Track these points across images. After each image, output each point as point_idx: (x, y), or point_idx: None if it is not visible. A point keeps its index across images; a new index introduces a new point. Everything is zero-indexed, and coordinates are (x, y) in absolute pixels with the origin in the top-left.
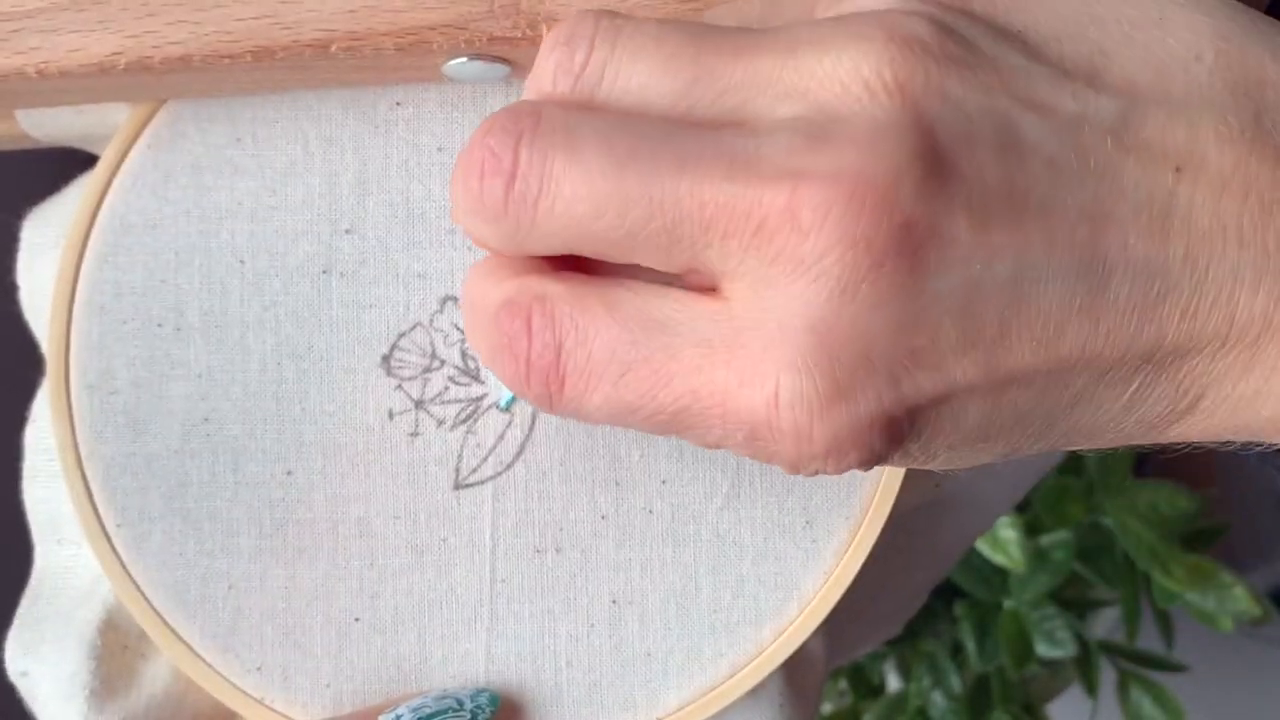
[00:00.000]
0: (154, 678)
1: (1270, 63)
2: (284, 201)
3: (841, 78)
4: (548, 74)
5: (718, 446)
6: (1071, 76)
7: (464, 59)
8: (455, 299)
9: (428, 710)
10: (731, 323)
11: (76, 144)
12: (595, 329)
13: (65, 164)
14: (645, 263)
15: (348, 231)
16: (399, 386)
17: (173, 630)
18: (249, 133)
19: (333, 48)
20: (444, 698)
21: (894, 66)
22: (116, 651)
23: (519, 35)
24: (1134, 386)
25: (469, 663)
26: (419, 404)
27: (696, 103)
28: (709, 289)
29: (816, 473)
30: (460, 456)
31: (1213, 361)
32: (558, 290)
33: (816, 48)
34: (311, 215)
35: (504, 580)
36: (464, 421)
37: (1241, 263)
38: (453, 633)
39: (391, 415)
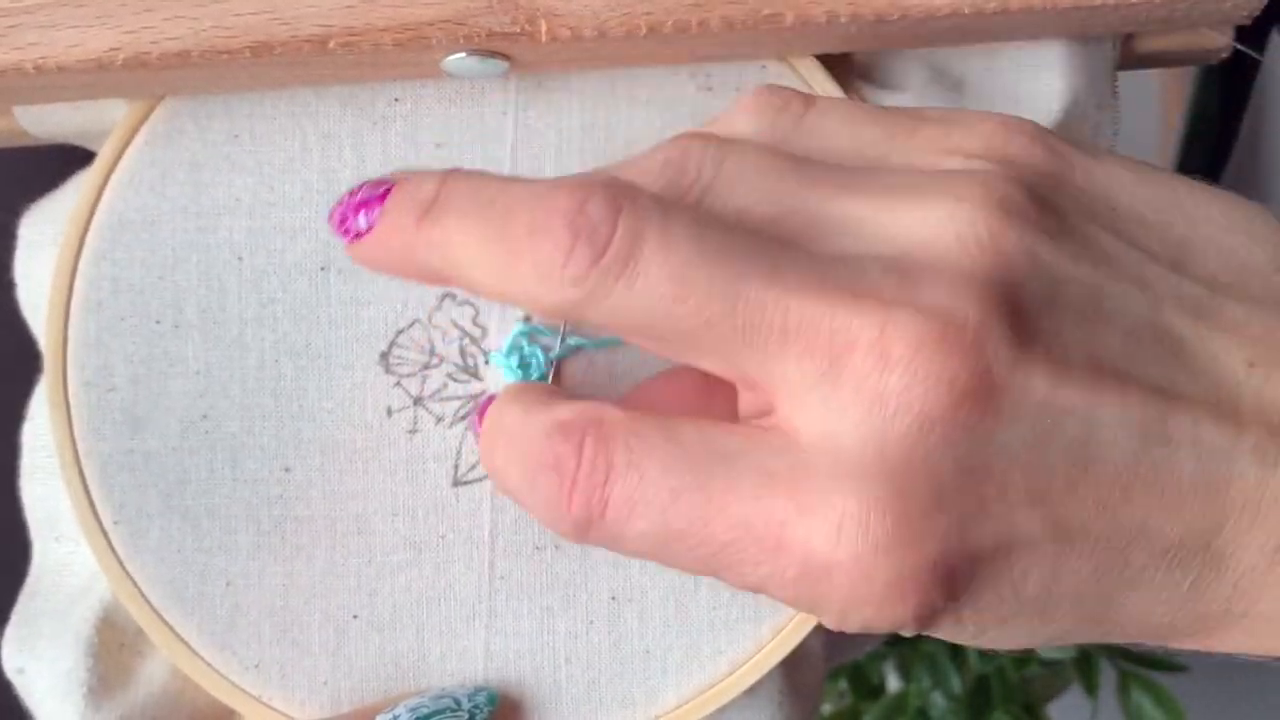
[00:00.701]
0: (151, 675)
1: None
2: (282, 198)
3: (936, 229)
4: (652, 187)
5: (759, 589)
6: (1157, 259)
7: (462, 55)
8: (454, 295)
9: (425, 710)
10: (796, 452)
11: (74, 141)
12: (651, 454)
13: (63, 161)
14: (704, 364)
15: None
16: (398, 383)
17: (170, 627)
18: (247, 129)
19: (331, 43)
20: (442, 697)
21: (988, 224)
22: (114, 649)
23: (518, 31)
24: (1193, 576)
25: (467, 660)
26: (418, 401)
27: (790, 227)
28: (764, 412)
29: (862, 626)
30: (459, 453)
31: (1272, 565)
32: (615, 415)
33: (915, 199)
34: (310, 212)
35: (503, 577)
36: (463, 418)
37: None
38: (451, 630)
39: (390, 412)
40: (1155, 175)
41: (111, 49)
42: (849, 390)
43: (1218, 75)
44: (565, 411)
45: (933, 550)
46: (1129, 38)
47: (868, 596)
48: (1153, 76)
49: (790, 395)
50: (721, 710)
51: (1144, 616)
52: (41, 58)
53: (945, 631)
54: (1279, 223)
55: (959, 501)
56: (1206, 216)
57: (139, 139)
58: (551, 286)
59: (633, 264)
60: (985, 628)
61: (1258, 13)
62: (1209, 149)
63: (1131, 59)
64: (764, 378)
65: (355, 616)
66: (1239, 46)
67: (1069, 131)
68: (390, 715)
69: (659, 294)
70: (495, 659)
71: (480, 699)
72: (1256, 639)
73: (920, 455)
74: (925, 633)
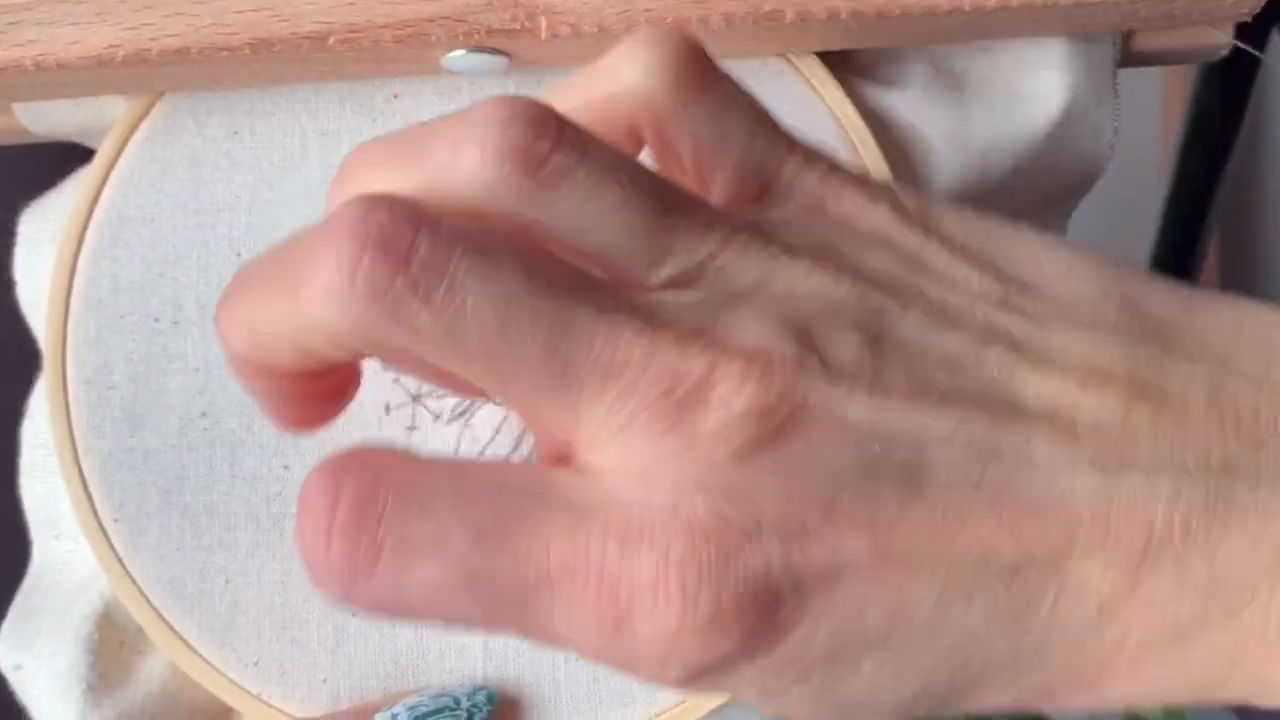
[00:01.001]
0: (150, 673)
1: (1154, 296)
2: (281, 195)
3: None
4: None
5: (564, 640)
6: (984, 294)
7: (462, 51)
8: None
9: (425, 709)
10: (606, 490)
11: (74, 138)
12: (437, 488)
13: (62, 158)
14: (514, 400)
15: None
16: (396, 380)
17: (169, 625)
18: (246, 126)
19: (331, 40)
20: (441, 696)
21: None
22: (113, 646)
23: (517, 27)
24: (1049, 601)
25: (466, 657)
26: (416, 398)
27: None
28: (563, 456)
29: (684, 671)
30: (457, 450)
31: (1136, 584)
32: (385, 454)
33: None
34: (309, 209)
35: None
36: (460, 415)
37: (1155, 465)
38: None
39: (388, 409)
40: (980, 216)
41: (111, 46)
42: (667, 426)
43: (1218, 74)
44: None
45: (754, 576)
46: (1129, 35)
47: (691, 630)
48: (1153, 75)
49: (603, 433)
50: (721, 709)
51: (1010, 656)
52: (41, 54)
53: (772, 658)
54: (1105, 261)
55: (781, 527)
56: (1033, 254)
57: (139, 136)
58: (341, 303)
59: (450, 282)
60: (831, 668)
61: (1258, 11)
62: (1209, 148)
63: (1132, 57)
64: (573, 417)
65: (354, 614)
66: (1239, 44)
67: (1070, 129)
68: (389, 714)
69: (480, 319)
70: (494, 657)
71: (479, 698)
72: (1147, 683)
73: (740, 484)
74: (761, 679)
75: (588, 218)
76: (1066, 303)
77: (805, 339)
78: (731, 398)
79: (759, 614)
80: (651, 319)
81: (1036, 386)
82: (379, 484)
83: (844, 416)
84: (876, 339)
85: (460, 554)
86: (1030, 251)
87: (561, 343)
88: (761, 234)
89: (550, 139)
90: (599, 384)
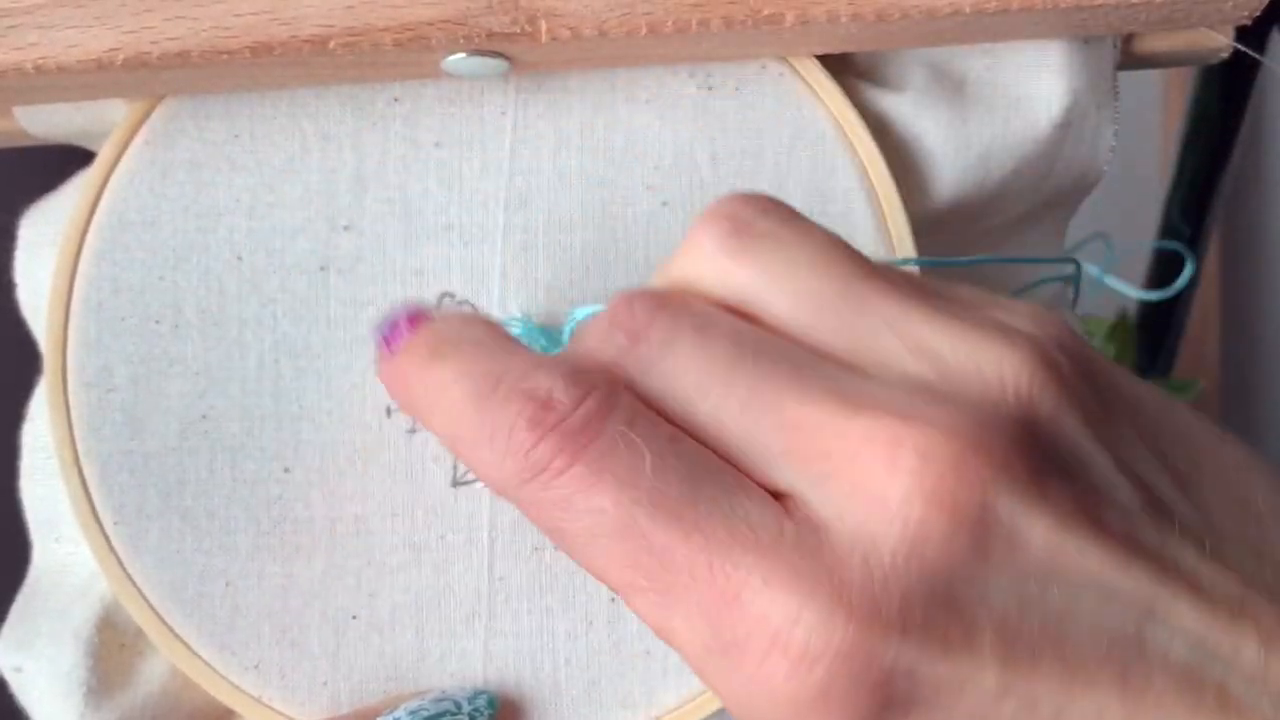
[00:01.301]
0: (151, 675)
1: None
2: (282, 198)
3: (979, 362)
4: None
5: (672, 635)
6: (1170, 475)
7: (462, 55)
8: (452, 295)
9: (426, 713)
10: (784, 524)
11: (74, 141)
12: (650, 443)
13: (63, 161)
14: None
15: (345, 228)
16: None
17: (170, 628)
18: (247, 129)
19: (331, 44)
20: (442, 700)
21: (1034, 375)
22: (114, 649)
23: (518, 31)
24: None
25: (467, 661)
26: None
27: (826, 331)
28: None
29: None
30: None
31: None
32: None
33: (969, 328)
34: (309, 212)
35: (502, 578)
36: None
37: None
38: (451, 630)
39: (389, 412)
40: (1173, 401)
41: (111, 49)
42: (849, 485)
43: (1218, 74)
44: (577, 362)
45: (879, 672)
46: (1130, 38)
47: (795, 692)
48: (1153, 75)
49: (790, 494)
50: (721, 711)
51: None
52: (41, 58)
53: None
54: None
55: (924, 632)
56: (1216, 452)
57: (139, 139)
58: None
59: (665, 351)
60: None
61: (1258, 13)
62: (1209, 149)
63: (1132, 59)
64: (771, 478)
65: (355, 617)
66: (1239, 47)
67: (1070, 131)
68: (390, 718)
69: (683, 384)
70: (494, 660)
71: (480, 702)
72: None
73: (902, 572)
74: None
75: None
76: (1238, 508)
77: (1012, 443)
78: (920, 470)
79: (865, 708)
80: (844, 395)
81: (1203, 581)
82: (614, 410)
83: (1021, 540)
84: (1069, 473)
85: (631, 508)
86: (1218, 446)
87: (755, 413)
88: None
89: None
90: (781, 452)
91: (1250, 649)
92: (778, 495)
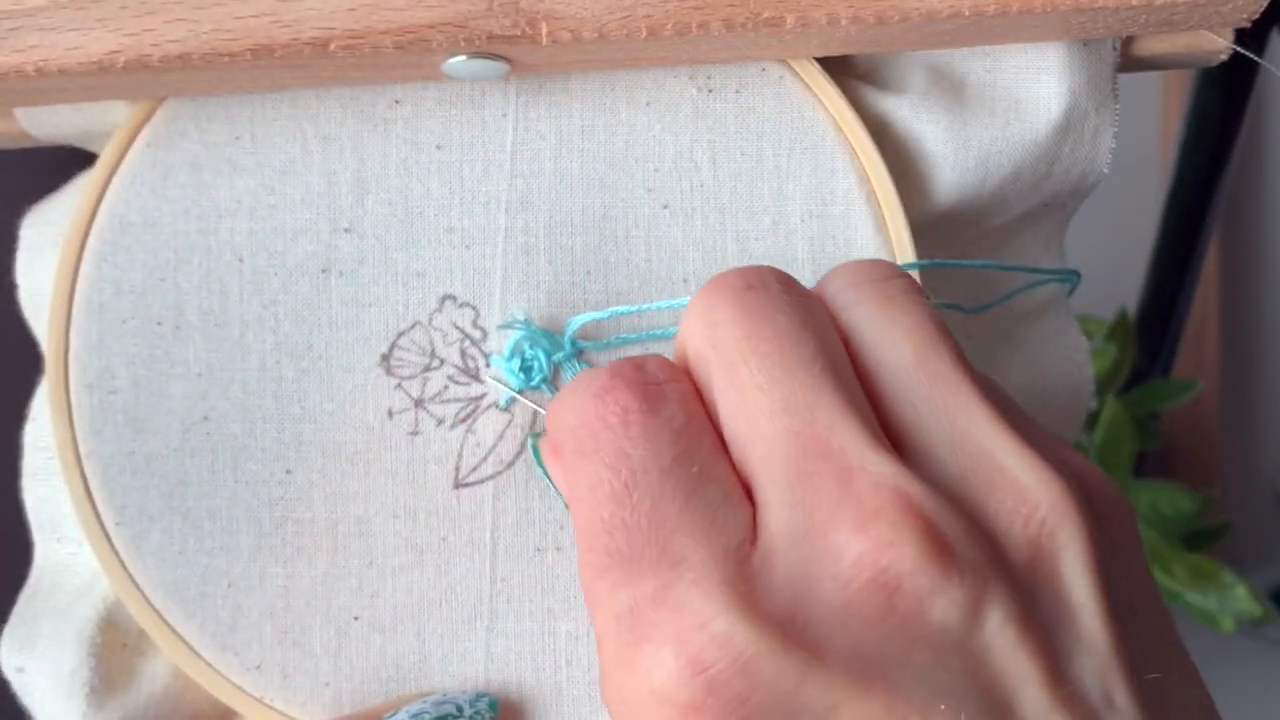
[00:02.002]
0: (153, 676)
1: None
2: (283, 200)
3: (1023, 478)
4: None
5: (593, 594)
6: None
7: (463, 57)
8: (453, 297)
9: (427, 716)
10: (744, 547)
11: (76, 142)
12: (689, 430)
13: (64, 162)
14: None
15: (347, 230)
16: (398, 385)
17: (172, 628)
18: (248, 131)
19: (332, 46)
20: (444, 703)
21: (1060, 516)
22: (116, 649)
23: (518, 33)
24: None
25: (468, 661)
26: (419, 403)
27: (896, 390)
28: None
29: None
30: (460, 455)
31: None
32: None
33: (1030, 449)
34: (310, 214)
35: (504, 579)
36: (464, 420)
37: None
38: (452, 631)
39: (391, 414)
40: (1171, 622)
41: (112, 52)
42: (816, 523)
43: (1218, 76)
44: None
45: (755, 705)
46: (1129, 40)
47: (672, 692)
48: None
49: (765, 498)
50: None
51: None
52: (42, 60)
53: None
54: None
55: (820, 676)
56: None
57: (140, 141)
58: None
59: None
60: None
61: (1258, 16)
62: (1209, 149)
63: (1132, 62)
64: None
65: (356, 618)
66: (1238, 49)
67: (1070, 133)
68: None
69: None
70: (496, 661)
71: (482, 705)
72: None
73: (819, 619)
74: None
75: None
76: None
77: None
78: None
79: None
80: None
81: None
82: (655, 397)
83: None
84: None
85: (650, 480)
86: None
87: (814, 425)
88: None
89: None
90: (802, 472)
91: None
92: (749, 493)
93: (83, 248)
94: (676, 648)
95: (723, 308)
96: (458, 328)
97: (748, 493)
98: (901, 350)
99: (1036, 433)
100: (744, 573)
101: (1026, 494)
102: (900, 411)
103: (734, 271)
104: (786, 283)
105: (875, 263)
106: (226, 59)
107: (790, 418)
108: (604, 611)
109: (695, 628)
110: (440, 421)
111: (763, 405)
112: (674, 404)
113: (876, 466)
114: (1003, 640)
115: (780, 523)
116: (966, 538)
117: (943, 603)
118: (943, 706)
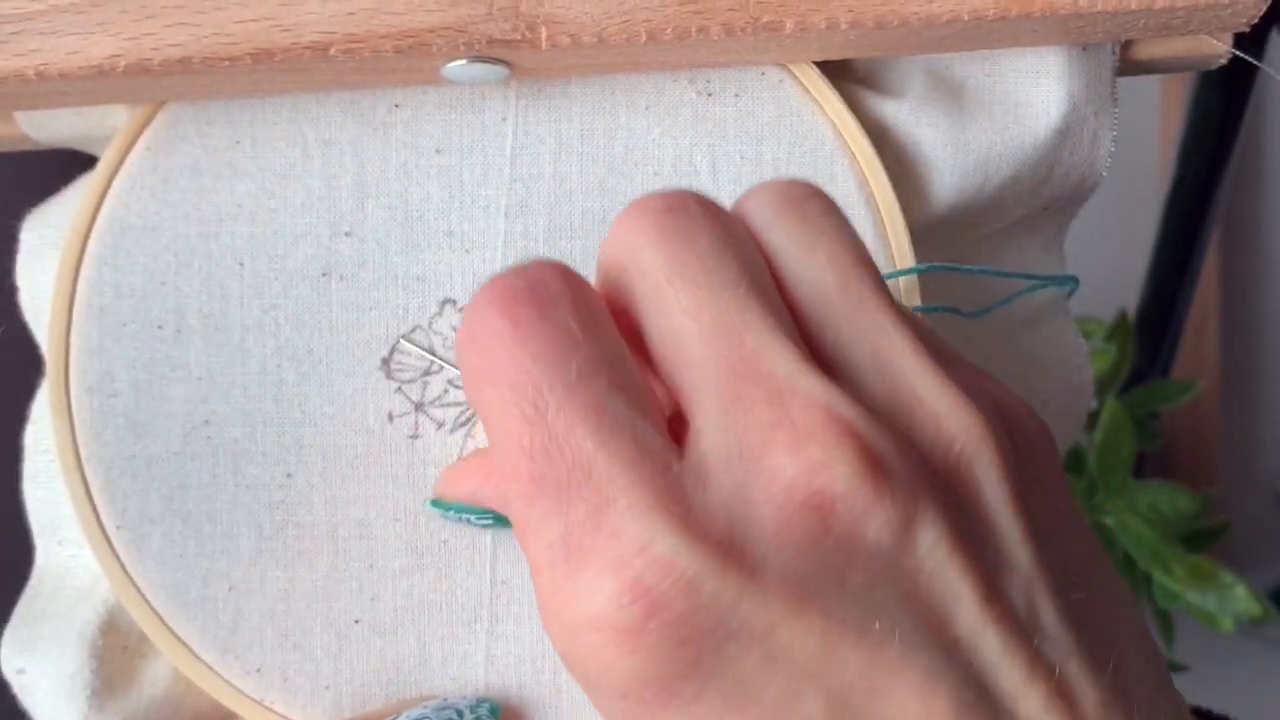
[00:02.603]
0: (154, 678)
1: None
2: (283, 204)
3: (941, 410)
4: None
5: (523, 525)
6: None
7: (463, 61)
8: (454, 301)
9: None
10: (672, 466)
11: (76, 145)
12: (595, 340)
13: (65, 165)
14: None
15: (347, 234)
16: (399, 389)
17: (172, 632)
18: (248, 135)
19: (332, 50)
20: (444, 708)
21: (979, 441)
22: (117, 651)
23: (518, 37)
24: None
25: (469, 664)
26: (419, 406)
27: (822, 314)
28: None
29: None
30: (460, 459)
31: None
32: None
33: (950, 382)
34: (311, 218)
35: (504, 582)
36: (464, 424)
37: None
38: (453, 634)
39: (391, 418)
40: (1089, 532)
41: (113, 56)
42: (751, 445)
43: (1217, 79)
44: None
45: (696, 628)
46: (1128, 44)
47: (612, 617)
48: (1153, 80)
49: (698, 420)
50: None
51: None
52: (43, 64)
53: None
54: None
55: (757, 597)
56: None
57: (140, 144)
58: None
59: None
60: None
61: (1257, 20)
62: (1209, 150)
63: (1131, 65)
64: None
65: (357, 621)
66: (1238, 53)
67: (1069, 137)
68: None
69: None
70: (496, 664)
71: (483, 711)
72: None
73: (759, 541)
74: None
75: None
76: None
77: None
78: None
79: (667, 654)
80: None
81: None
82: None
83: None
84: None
85: (557, 397)
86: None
87: (735, 340)
88: None
89: None
90: (748, 388)
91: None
92: (683, 416)
93: (83, 251)
94: (615, 572)
95: (644, 230)
96: (458, 331)
97: (678, 416)
98: (823, 273)
99: (957, 361)
100: (678, 495)
101: (943, 423)
102: (824, 333)
103: (654, 194)
104: (707, 204)
105: (793, 182)
106: (227, 63)
107: (719, 341)
108: (536, 540)
109: (635, 552)
110: (440, 425)
111: (690, 329)
112: (565, 307)
113: (808, 388)
114: (936, 560)
115: (714, 445)
116: (898, 458)
117: (876, 523)
118: (878, 625)
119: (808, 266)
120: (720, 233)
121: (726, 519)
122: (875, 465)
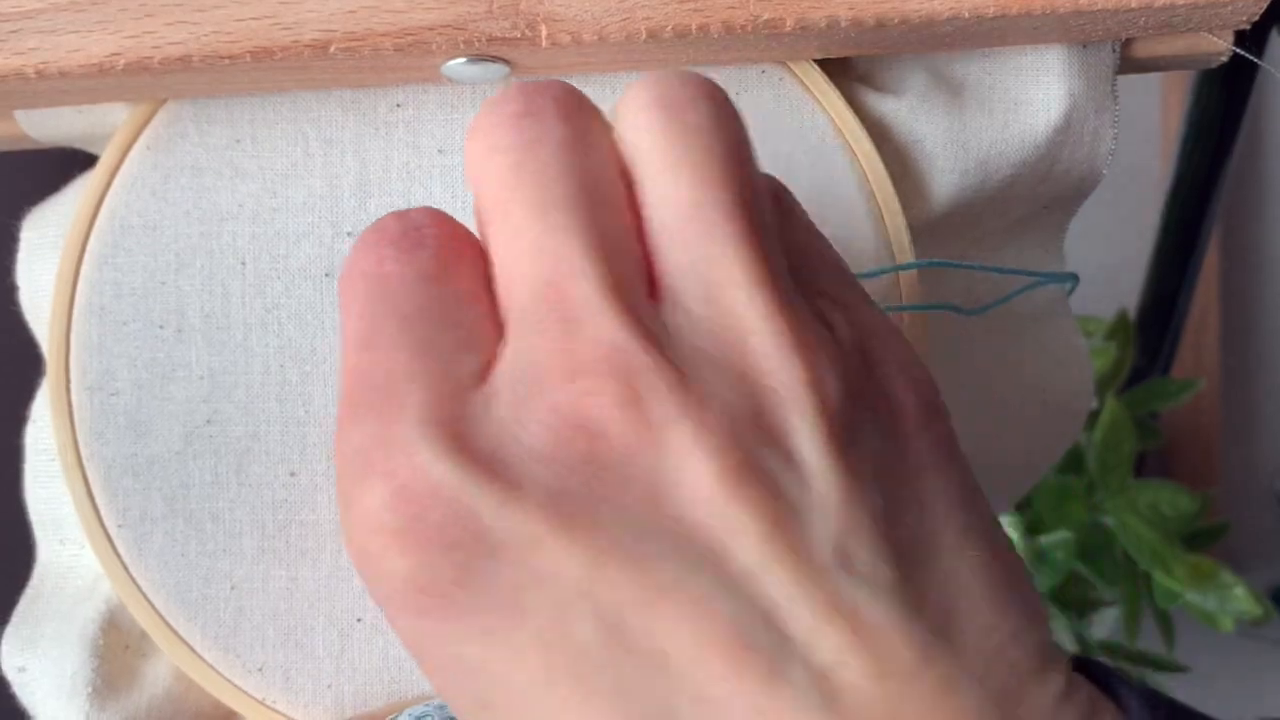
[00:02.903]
0: (155, 678)
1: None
2: (285, 204)
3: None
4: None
5: (340, 439)
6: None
7: (463, 60)
8: None
9: (430, 719)
10: (471, 391)
11: (76, 144)
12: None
13: (65, 164)
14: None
15: (349, 234)
16: None
17: (174, 631)
18: (249, 134)
19: (332, 48)
20: (446, 706)
21: (796, 388)
22: (118, 650)
23: (518, 35)
24: None
25: None
26: None
27: (664, 230)
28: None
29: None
30: None
31: None
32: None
33: (788, 328)
34: (313, 217)
35: None
36: None
37: None
38: None
39: None
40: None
41: (113, 54)
42: (541, 367)
43: (1218, 77)
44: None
45: (462, 529)
46: (1129, 42)
47: (382, 520)
48: (1153, 77)
49: (511, 327)
50: None
51: None
52: (43, 62)
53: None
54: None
55: (527, 509)
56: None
57: (140, 143)
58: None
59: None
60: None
61: (1257, 18)
62: (1209, 150)
63: (1131, 64)
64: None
65: (359, 620)
66: (1238, 51)
67: (1069, 135)
68: None
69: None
70: None
71: None
72: None
73: (526, 458)
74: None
75: None
76: None
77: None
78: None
79: (433, 560)
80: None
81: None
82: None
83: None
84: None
85: (390, 324)
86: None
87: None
88: None
89: None
90: (558, 300)
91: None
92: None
93: (83, 250)
94: (386, 479)
95: (495, 133)
96: None
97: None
98: (679, 191)
99: (821, 288)
100: (463, 413)
101: (763, 363)
102: (667, 255)
103: (515, 90)
104: (567, 104)
105: (684, 82)
106: (227, 61)
107: (538, 263)
108: (339, 452)
109: (402, 461)
110: None
111: (517, 248)
112: (429, 250)
113: (601, 320)
114: (712, 493)
115: (508, 367)
116: (670, 394)
117: (643, 454)
118: (649, 549)
119: (663, 183)
120: (569, 140)
121: (497, 435)
122: (641, 401)
